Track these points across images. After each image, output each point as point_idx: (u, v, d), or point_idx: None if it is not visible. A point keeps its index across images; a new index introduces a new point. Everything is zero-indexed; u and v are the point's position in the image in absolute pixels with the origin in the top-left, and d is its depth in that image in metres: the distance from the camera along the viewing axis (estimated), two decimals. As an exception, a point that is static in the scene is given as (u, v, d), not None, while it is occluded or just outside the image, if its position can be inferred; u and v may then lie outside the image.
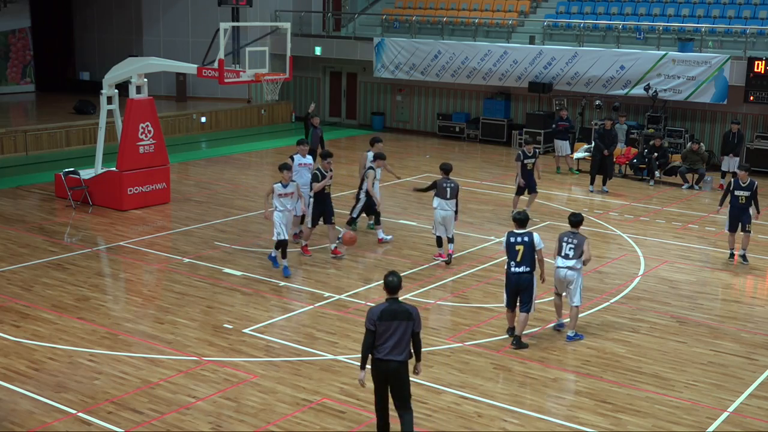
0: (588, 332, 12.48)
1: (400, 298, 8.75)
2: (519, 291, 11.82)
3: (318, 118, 21.23)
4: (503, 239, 12.00)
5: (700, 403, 10.36)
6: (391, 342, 8.54)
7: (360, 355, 8.78)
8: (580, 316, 12.61)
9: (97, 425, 9.47)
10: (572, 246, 11.91)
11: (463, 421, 9.78)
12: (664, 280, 14.99)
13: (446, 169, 15.46)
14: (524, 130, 27.91)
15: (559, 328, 12.49)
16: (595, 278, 14.91)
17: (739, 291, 14.77)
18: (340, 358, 11.39)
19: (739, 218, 15.93)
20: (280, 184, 14.35)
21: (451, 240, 15.51)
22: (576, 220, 12.09)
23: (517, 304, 11.93)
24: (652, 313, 13.36)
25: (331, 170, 15.55)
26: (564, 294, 12.25)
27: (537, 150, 19.06)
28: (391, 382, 8.71)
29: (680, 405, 10.30)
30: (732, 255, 16.16)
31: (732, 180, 16.36)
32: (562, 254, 12.00)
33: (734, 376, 11.17)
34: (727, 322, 13.11)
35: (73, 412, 9.76)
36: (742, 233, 15.96)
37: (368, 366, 8.79)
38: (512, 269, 11.73)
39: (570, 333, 12.22)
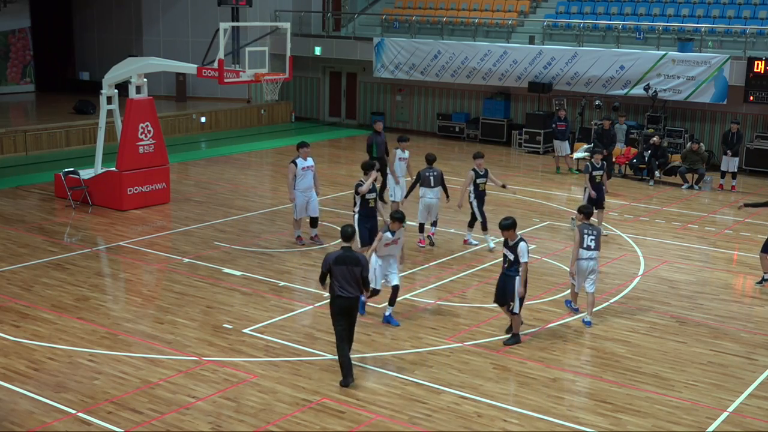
0: (588, 332, 12.49)
1: (352, 247, 10.76)
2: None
3: (381, 123, 19.54)
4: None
5: (700, 403, 10.36)
6: (346, 282, 10.52)
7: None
8: (579, 316, 12.94)
9: (97, 425, 9.47)
10: (593, 237, 12.58)
11: (463, 421, 9.78)
12: (663, 280, 14.99)
13: (430, 160, 16.31)
14: (524, 129, 27.94)
15: (576, 310, 13.18)
16: (594, 278, 14.91)
17: (738, 291, 14.76)
18: (339, 358, 11.38)
19: None
20: (389, 233, 12.26)
21: (434, 224, 16.53)
22: (590, 211, 12.94)
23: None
24: (652, 313, 13.36)
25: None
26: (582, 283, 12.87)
27: (604, 162, 17.75)
28: (345, 313, 10.62)
29: (680, 405, 10.30)
30: (763, 280, 14.83)
31: None
32: (585, 246, 12.54)
33: (734, 376, 11.17)
34: (726, 322, 13.11)
35: (73, 412, 9.76)
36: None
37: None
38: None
39: (587, 318, 12.79)
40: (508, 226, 11.77)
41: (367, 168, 14.58)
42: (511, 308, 11.85)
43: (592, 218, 13.32)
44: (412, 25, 30.41)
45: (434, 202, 16.14)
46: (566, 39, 28.30)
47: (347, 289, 10.52)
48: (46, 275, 14.52)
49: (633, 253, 16.58)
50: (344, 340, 10.66)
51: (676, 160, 23.45)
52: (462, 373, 11.03)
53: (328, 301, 13.18)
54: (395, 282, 12.53)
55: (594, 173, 17.12)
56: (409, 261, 15.71)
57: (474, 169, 16.09)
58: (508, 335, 12.09)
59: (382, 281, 12.51)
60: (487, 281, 14.57)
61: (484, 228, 16.31)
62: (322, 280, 10.89)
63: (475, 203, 16.19)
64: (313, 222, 16.42)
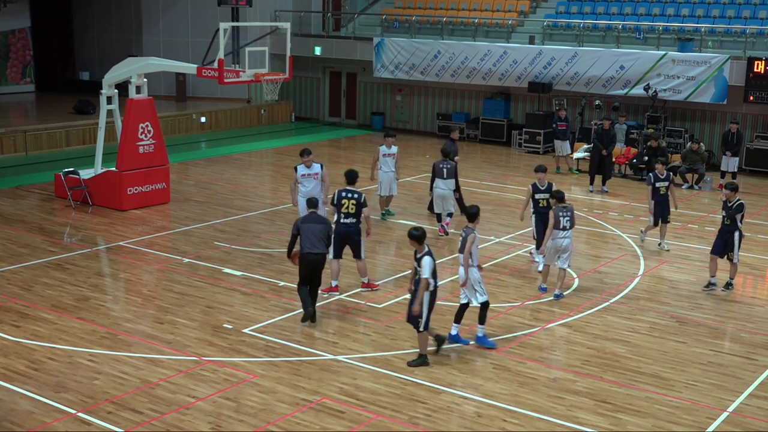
0: (588, 332, 12.49)
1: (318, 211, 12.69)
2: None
3: (458, 132, 19.23)
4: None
5: (700, 403, 10.36)
6: (313, 239, 12.12)
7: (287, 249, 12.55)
8: (579, 316, 12.99)
9: (97, 425, 9.47)
10: (568, 218, 13.69)
11: (463, 421, 9.79)
12: (663, 280, 14.99)
13: (444, 153, 17.28)
14: (524, 129, 27.94)
15: (543, 290, 14.05)
16: (594, 278, 14.91)
17: (738, 291, 14.75)
18: (339, 358, 11.39)
19: (724, 241, 14.36)
20: (473, 231, 11.66)
21: (449, 215, 17.23)
22: (562, 195, 13.84)
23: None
24: (652, 313, 13.36)
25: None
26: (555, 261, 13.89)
27: (671, 173, 16.58)
28: (312, 268, 12.21)
29: (680, 405, 10.30)
30: (710, 284, 14.41)
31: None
32: (561, 227, 13.61)
33: (734, 376, 11.17)
34: (726, 322, 13.12)
35: (73, 412, 9.77)
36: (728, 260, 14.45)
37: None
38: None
39: (558, 292, 13.77)
40: (414, 236, 10.90)
41: (353, 179, 14.02)
42: (418, 325, 11.03)
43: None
44: (412, 25, 30.41)
45: (446, 192, 16.92)
46: (566, 39, 28.29)
47: (315, 245, 12.18)
48: (46, 275, 14.52)
49: (633, 253, 16.58)
50: (306, 284, 12.35)
51: (676, 160, 23.44)
52: (462, 373, 11.03)
53: (328, 301, 13.17)
54: (484, 299, 11.70)
55: (658, 185, 16.27)
56: (408, 261, 15.71)
57: (534, 184, 15.14)
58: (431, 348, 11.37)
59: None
60: (485, 281, 14.55)
61: (538, 246, 15.13)
62: (291, 244, 12.33)
63: (534, 219, 15.17)
64: None
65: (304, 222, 12.31)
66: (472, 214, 11.92)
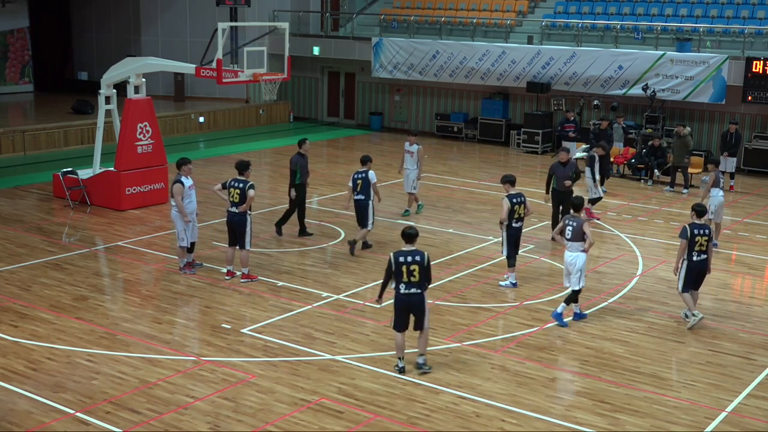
0: (586, 332, 12.49)
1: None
2: None
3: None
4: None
5: (699, 403, 10.36)
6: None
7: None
8: (577, 312, 12.85)
9: (96, 425, 9.47)
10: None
11: (462, 421, 9.79)
12: (662, 280, 14.99)
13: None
14: (522, 129, 27.94)
15: None
16: (593, 278, 14.91)
17: (737, 291, 14.76)
18: (338, 358, 11.39)
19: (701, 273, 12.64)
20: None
21: (590, 201, 18.48)
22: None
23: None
24: (651, 313, 13.36)
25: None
26: None
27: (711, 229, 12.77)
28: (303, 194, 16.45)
29: (678, 405, 10.31)
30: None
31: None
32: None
33: (732, 375, 11.18)
34: (725, 321, 13.12)
35: (72, 412, 9.76)
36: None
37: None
38: None
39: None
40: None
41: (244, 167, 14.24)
42: None
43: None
44: (410, 25, 30.41)
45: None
46: (564, 39, 28.30)
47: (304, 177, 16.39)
48: (44, 275, 14.52)
49: (631, 253, 16.58)
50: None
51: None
52: (460, 373, 11.03)
53: (327, 301, 13.14)
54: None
55: (698, 238, 12.35)
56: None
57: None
58: None
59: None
60: (485, 281, 14.58)
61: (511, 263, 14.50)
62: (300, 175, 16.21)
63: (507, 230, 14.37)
64: (192, 247, 14.88)
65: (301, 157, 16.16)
66: (577, 205, 12.91)
